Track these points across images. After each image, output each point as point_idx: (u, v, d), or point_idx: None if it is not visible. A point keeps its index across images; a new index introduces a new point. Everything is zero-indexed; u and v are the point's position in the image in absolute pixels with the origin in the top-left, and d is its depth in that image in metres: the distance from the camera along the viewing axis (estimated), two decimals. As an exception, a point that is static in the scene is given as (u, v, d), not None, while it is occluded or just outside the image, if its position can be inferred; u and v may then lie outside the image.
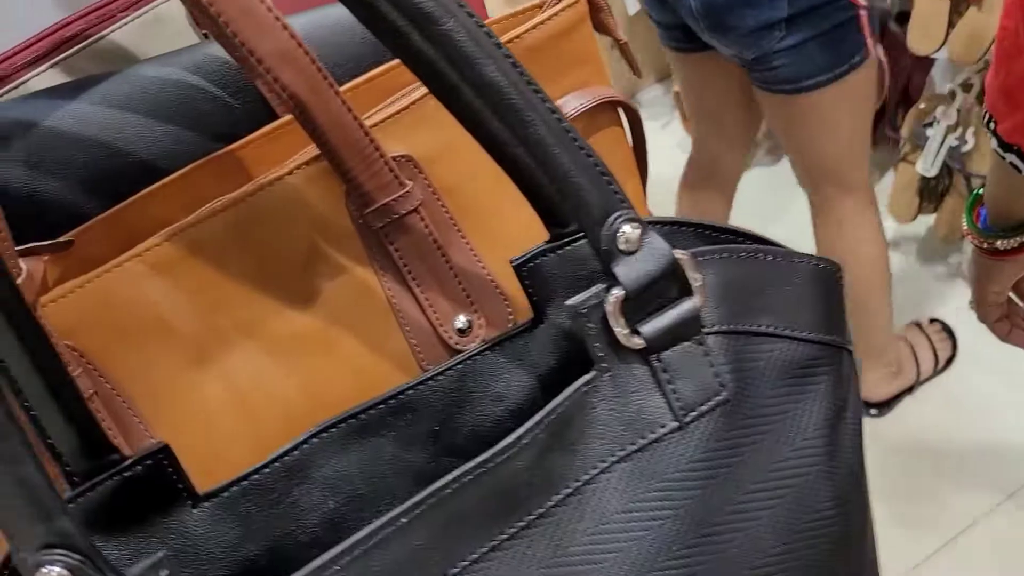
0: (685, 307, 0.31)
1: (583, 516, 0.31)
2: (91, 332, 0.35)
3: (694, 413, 0.31)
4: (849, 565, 0.34)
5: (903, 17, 1.73)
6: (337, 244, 0.38)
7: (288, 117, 0.41)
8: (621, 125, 0.44)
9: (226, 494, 0.33)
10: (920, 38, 1.50)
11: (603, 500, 0.31)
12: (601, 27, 0.43)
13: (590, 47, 0.42)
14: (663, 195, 2.08)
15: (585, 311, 0.30)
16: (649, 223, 0.34)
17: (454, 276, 0.39)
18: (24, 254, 0.35)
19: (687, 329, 0.31)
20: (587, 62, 0.42)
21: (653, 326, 0.31)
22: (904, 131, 1.69)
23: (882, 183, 1.99)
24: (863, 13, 1.10)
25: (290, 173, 0.37)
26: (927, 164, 1.58)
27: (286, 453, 0.34)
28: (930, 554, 1.29)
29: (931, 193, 1.66)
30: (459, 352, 0.40)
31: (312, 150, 0.37)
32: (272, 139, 0.40)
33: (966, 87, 1.54)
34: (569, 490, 0.31)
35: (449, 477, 0.29)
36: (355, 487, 0.35)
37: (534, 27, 0.40)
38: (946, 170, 1.60)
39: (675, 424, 0.31)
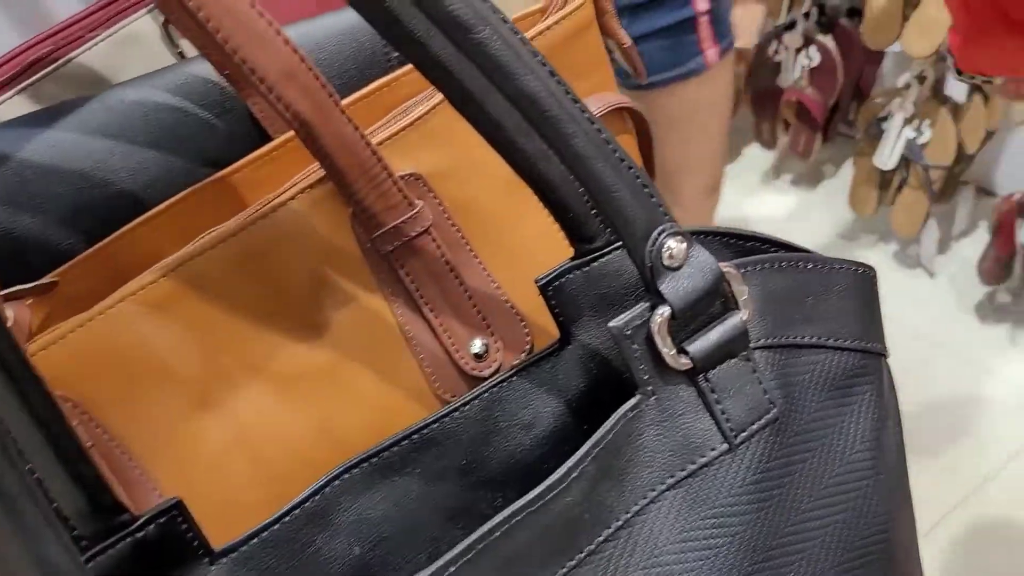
0: (732, 322, 0.29)
1: (635, 549, 0.29)
2: (85, 381, 0.32)
3: (745, 433, 0.30)
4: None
5: (854, 12, 1.76)
6: (344, 271, 0.36)
7: (282, 138, 0.39)
8: (630, 132, 0.42)
9: (244, 548, 0.31)
10: (875, 32, 1.52)
11: (654, 531, 0.29)
12: (607, 31, 0.41)
13: (599, 52, 0.40)
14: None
15: (630, 332, 0.28)
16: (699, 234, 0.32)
17: (468, 299, 0.37)
18: (7, 299, 0.32)
19: (735, 345, 0.30)
20: (597, 67, 0.41)
21: (700, 344, 0.29)
22: (859, 125, 1.71)
23: (840, 177, 2.02)
24: (703, 20, 1.05)
25: (293, 198, 0.35)
26: (884, 157, 1.60)
27: (306, 499, 0.32)
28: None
29: (889, 186, 1.68)
30: (476, 379, 0.38)
31: (313, 172, 0.35)
32: (267, 161, 0.38)
33: (920, 79, 1.56)
34: (619, 523, 0.29)
35: (498, 519, 0.27)
36: (381, 531, 0.33)
37: (540, 33, 0.38)
38: (903, 162, 1.62)
39: (725, 446, 0.30)
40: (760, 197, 2.05)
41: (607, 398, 0.31)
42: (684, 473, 0.29)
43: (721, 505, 0.30)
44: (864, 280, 0.33)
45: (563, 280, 0.33)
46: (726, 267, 0.29)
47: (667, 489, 0.29)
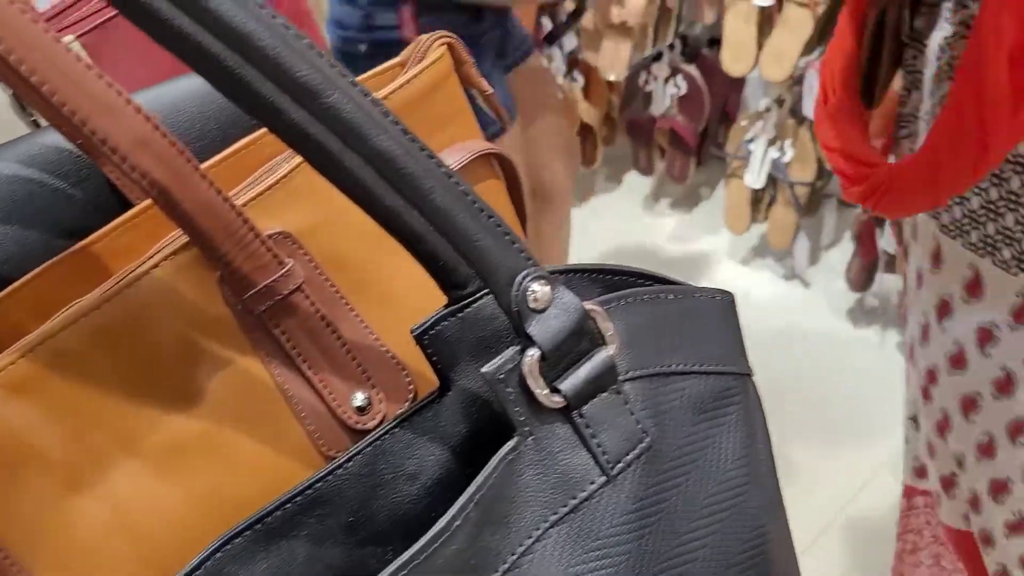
0: (600, 358, 0.30)
1: (523, 591, 0.29)
2: (-61, 475, 0.30)
3: (621, 464, 0.31)
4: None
5: (714, 42, 1.86)
6: (216, 336, 0.35)
7: (142, 204, 0.38)
8: (498, 176, 0.43)
9: (126, 632, 0.30)
10: (733, 61, 1.61)
11: (541, 570, 0.30)
12: (467, 80, 0.42)
13: (459, 102, 0.41)
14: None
15: (502, 376, 0.29)
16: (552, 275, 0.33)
17: (347, 352, 0.37)
18: None
19: (605, 380, 0.31)
20: (459, 116, 0.42)
21: (572, 382, 0.30)
22: (729, 148, 1.80)
23: (716, 198, 2.11)
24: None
25: (156, 266, 0.34)
26: (753, 177, 1.69)
27: (189, 574, 0.31)
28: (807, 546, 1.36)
29: (760, 204, 1.77)
30: (361, 432, 0.37)
31: (177, 238, 0.34)
32: (128, 229, 0.37)
33: (779, 102, 1.66)
34: (506, 565, 0.29)
35: (384, 574, 0.27)
36: (269, 599, 0.32)
37: (400, 87, 0.39)
38: (771, 181, 1.71)
39: (603, 478, 0.31)
40: (642, 221, 2.12)
41: (489, 441, 0.32)
42: (566, 509, 0.30)
43: (604, 536, 0.30)
44: (723, 306, 0.35)
45: (438, 328, 0.33)
46: (590, 306, 0.30)
47: (551, 527, 0.30)
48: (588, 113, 2.04)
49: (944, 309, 0.71)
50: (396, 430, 0.34)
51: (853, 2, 0.70)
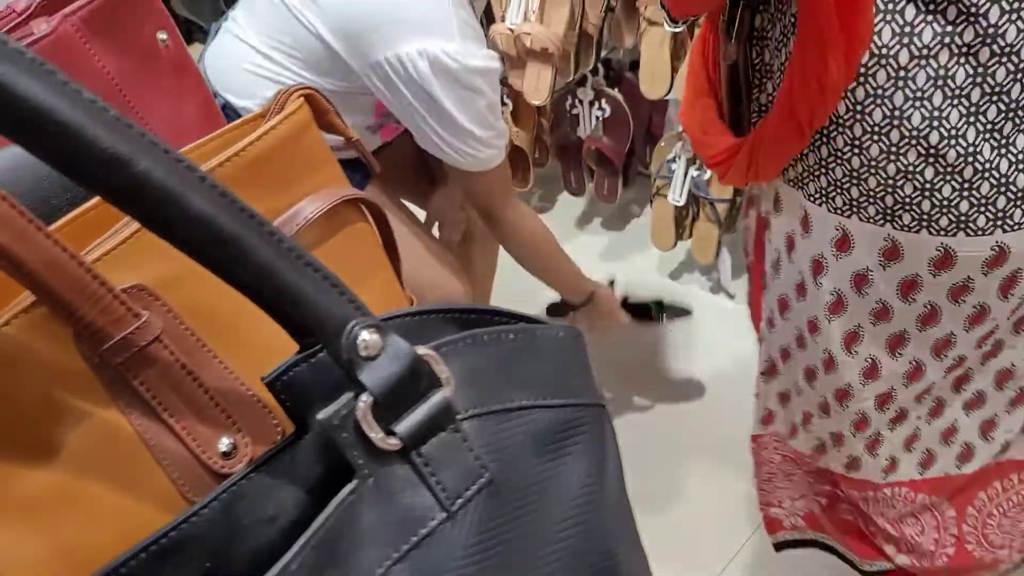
0: (436, 400, 0.32)
1: (368, 629, 0.30)
2: None
3: (460, 499, 0.32)
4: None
5: (636, 66, 1.90)
6: (74, 389, 0.36)
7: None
8: (365, 219, 0.45)
9: None
10: (650, 84, 1.65)
11: (385, 608, 0.31)
12: (330, 128, 0.43)
13: (321, 150, 0.43)
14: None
15: (337, 423, 0.30)
16: (394, 317, 0.35)
17: (210, 399, 0.38)
18: None
19: (442, 420, 0.32)
20: (321, 164, 0.43)
21: (407, 424, 0.31)
22: (652, 168, 1.85)
23: (646, 216, 2.15)
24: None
25: (7, 324, 0.34)
26: (675, 195, 1.73)
27: (40, 630, 0.31)
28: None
29: (684, 220, 1.81)
30: (226, 477, 0.38)
31: (27, 297, 0.35)
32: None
33: (697, 124, 1.70)
34: (348, 608, 0.30)
35: (216, 623, 0.28)
36: (126, 648, 0.33)
37: (259, 138, 0.40)
38: (693, 198, 1.76)
39: (443, 514, 0.32)
40: (575, 241, 2.15)
41: (345, 482, 0.33)
42: (408, 546, 0.31)
43: (446, 571, 0.32)
44: (566, 341, 0.37)
45: (291, 374, 0.34)
46: (424, 350, 0.32)
47: (393, 564, 0.31)
48: (519, 136, 2.07)
49: (818, 267, 0.78)
50: (253, 474, 0.35)
51: (700, 51, 0.80)
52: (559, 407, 0.36)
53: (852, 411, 0.85)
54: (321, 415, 0.30)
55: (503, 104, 2.04)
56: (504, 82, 1.98)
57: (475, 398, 0.33)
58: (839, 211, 0.73)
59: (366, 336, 0.30)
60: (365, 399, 0.30)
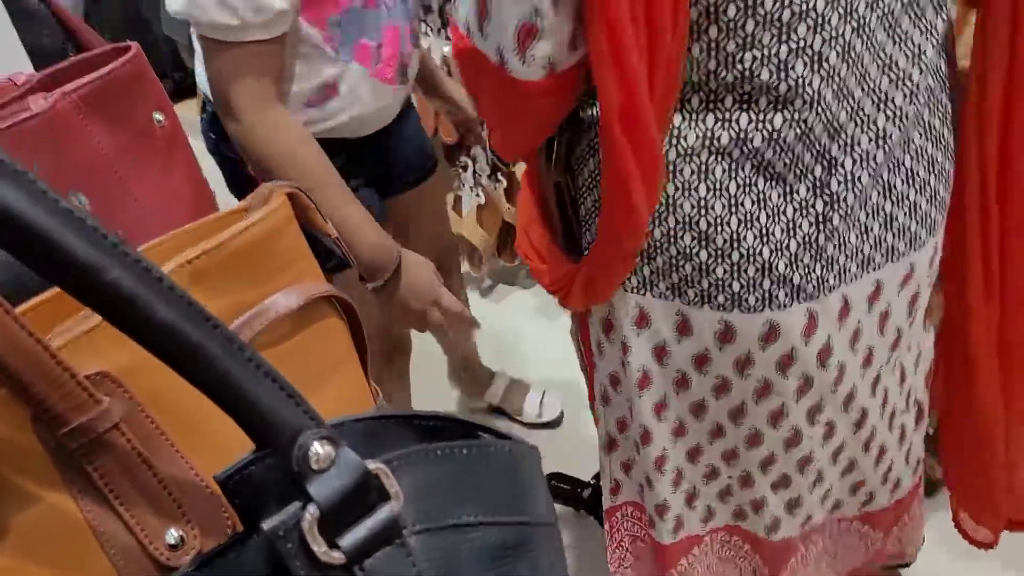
0: (382, 515, 0.32)
1: None
2: None
3: (403, 616, 0.32)
4: None
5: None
6: (27, 471, 0.36)
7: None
8: (337, 315, 0.46)
9: None
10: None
11: None
12: (312, 224, 0.45)
13: (299, 245, 0.44)
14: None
15: (282, 533, 0.31)
16: (353, 421, 0.35)
17: (164, 489, 0.38)
18: None
19: (388, 534, 0.32)
20: (297, 259, 0.44)
21: (352, 538, 0.31)
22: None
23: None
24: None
25: (-34, 403, 0.35)
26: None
27: None
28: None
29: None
30: (173, 569, 0.38)
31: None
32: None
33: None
34: None
35: None
36: None
37: (240, 232, 0.41)
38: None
39: (383, 632, 0.32)
40: (560, 319, 2.17)
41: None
42: (344, 663, 0.31)
43: None
44: (520, 457, 0.38)
45: (244, 473, 0.35)
46: (374, 464, 0.32)
47: None
48: (510, 213, 2.10)
49: (625, 349, 0.84)
50: (196, 572, 0.35)
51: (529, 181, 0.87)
52: (508, 525, 0.36)
53: (669, 471, 0.90)
54: (267, 524, 0.30)
55: (497, 181, 2.08)
56: (504, 163, 2.03)
57: (423, 513, 0.34)
58: (635, 289, 0.79)
59: (318, 448, 0.31)
60: (312, 512, 0.30)
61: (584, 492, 1.60)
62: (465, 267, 2.26)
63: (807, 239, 0.72)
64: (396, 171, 1.23)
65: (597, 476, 1.55)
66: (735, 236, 0.72)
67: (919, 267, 0.80)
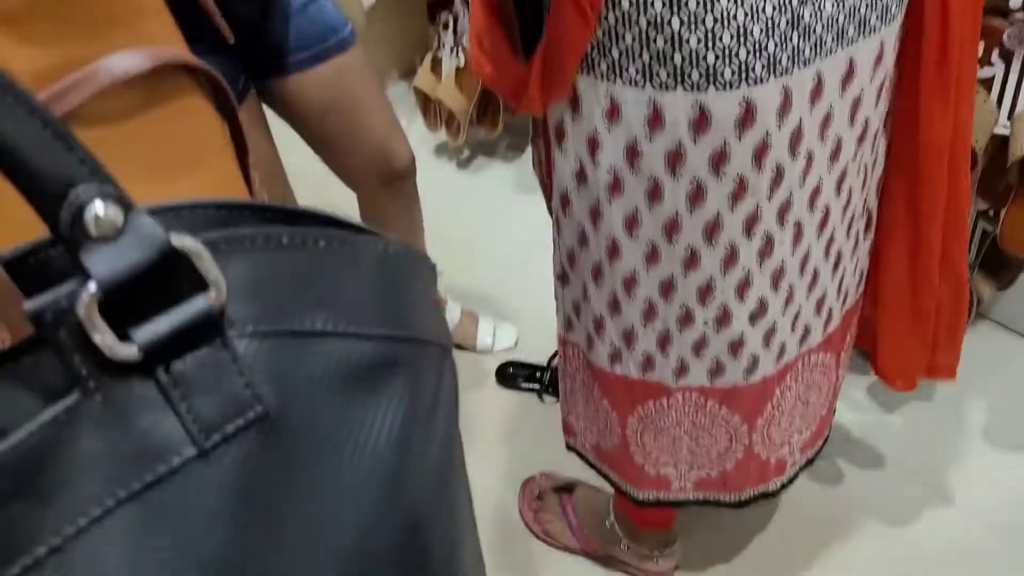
0: (195, 305, 0.25)
1: (68, 580, 0.24)
2: None
3: (218, 435, 0.25)
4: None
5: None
6: None
7: None
8: (203, 94, 0.37)
9: None
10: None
11: (99, 556, 0.24)
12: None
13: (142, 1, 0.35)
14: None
15: (52, 317, 0.23)
16: (182, 208, 0.28)
17: (-43, 279, 0.31)
18: None
19: (202, 333, 0.25)
20: (147, 13, 0.35)
21: (149, 331, 0.24)
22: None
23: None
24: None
25: None
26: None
27: None
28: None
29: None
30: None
31: None
32: None
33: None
34: (45, 549, 0.24)
35: None
36: None
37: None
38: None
39: (194, 451, 0.25)
40: (540, 195, 2.08)
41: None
42: (140, 485, 0.25)
43: (189, 521, 0.25)
44: (400, 260, 0.30)
45: (41, 256, 0.27)
46: (183, 240, 0.25)
47: (117, 505, 0.24)
48: (492, 79, 1.99)
49: (593, 145, 0.79)
50: (-23, 378, 0.28)
51: None
52: (376, 338, 0.29)
53: (640, 299, 0.87)
54: (28, 304, 0.23)
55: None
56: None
57: (258, 313, 0.26)
58: (604, 76, 0.74)
59: (99, 208, 0.23)
60: (90, 289, 0.23)
61: (544, 375, 1.56)
62: (442, 135, 2.16)
63: (782, 1, 0.69)
64: (272, 39, 1.03)
65: (554, 356, 1.51)
66: None
67: (887, 47, 0.78)
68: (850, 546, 1.28)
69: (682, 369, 0.92)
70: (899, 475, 1.38)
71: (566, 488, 1.35)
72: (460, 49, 1.96)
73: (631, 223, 0.81)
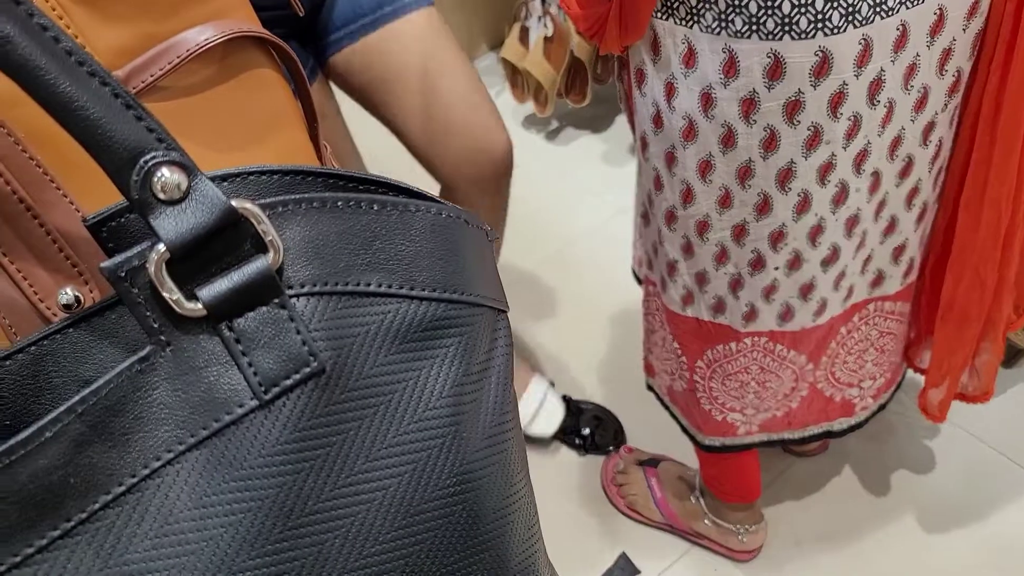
0: (256, 266, 0.26)
1: (144, 517, 0.26)
2: None
3: (277, 388, 0.27)
4: (480, 549, 0.31)
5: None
6: None
7: None
8: (274, 66, 0.39)
9: None
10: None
11: (170, 497, 0.26)
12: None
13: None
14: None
15: (124, 274, 0.25)
16: (247, 174, 0.29)
17: (52, 242, 0.33)
18: None
19: (262, 292, 0.27)
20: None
21: (214, 289, 0.26)
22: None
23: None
24: None
25: None
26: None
27: None
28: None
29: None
30: (64, 331, 0.34)
31: None
32: None
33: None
34: (123, 488, 0.26)
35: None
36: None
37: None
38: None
39: (255, 402, 0.27)
40: (625, 167, 2.06)
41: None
42: (207, 432, 0.27)
43: (250, 467, 0.27)
44: (450, 224, 0.31)
45: (122, 220, 0.29)
46: (242, 204, 0.26)
47: (187, 450, 0.27)
48: (580, 47, 1.96)
49: (670, 90, 0.80)
50: (70, 330, 0.31)
51: None
52: (429, 300, 0.30)
53: (712, 243, 0.88)
54: (105, 263, 0.25)
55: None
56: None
57: (316, 273, 0.28)
58: (682, 21, 0.75)
59: (166, 173, 0.25)
60: (159, 250, 0.25)
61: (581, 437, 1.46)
62: (530, 106, 2.15)
63: None
64: (323, 22, 0.98)
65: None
66: None
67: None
68: (950, 543, 1.24)
69: (752, 314, 0.93)
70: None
71: (650, 462, 1.35)
72: (548, 18, 1.94)
73: (705, 168, 0.82)
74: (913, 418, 1.34)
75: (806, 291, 0.90)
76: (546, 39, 1.97)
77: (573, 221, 1.91)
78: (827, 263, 0.87)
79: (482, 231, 0.33)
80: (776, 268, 0.87)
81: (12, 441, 0.24)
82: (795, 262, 0.87)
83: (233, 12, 0.37)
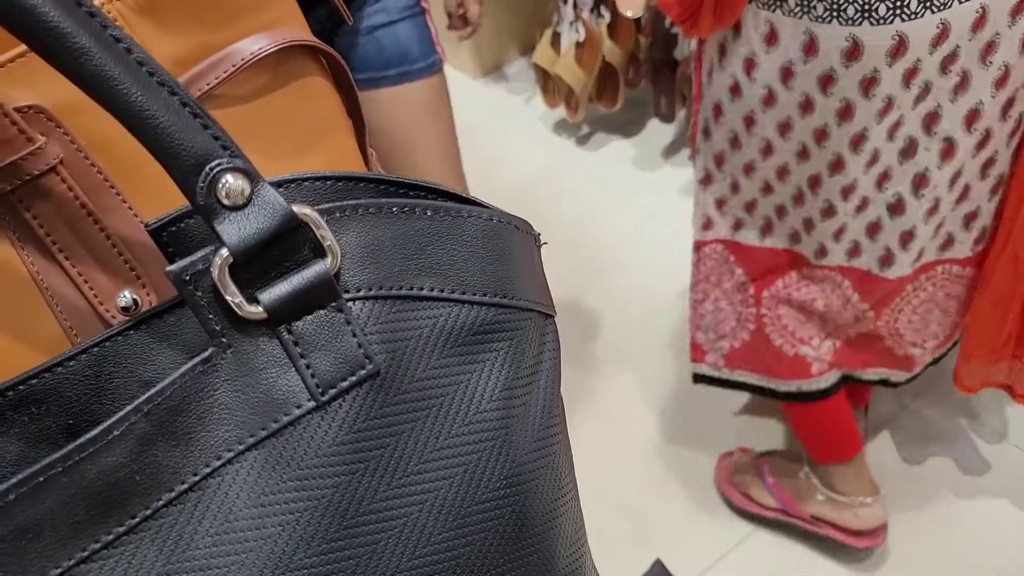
0: (314, 270, 0.27)
1: (205, 515, 0.27)
2: None
3: (334, 390, 0.28)
4: (528, 552, 0.31)
5: None
6: (-42, 213, 0.33)
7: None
8: (324, 74, 0.40)
9: None
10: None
11: (230, 495, 0.27)
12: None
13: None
14: (530, 169, 2.06)
15: (189, 278, 0.26)
16: (309, 180, 0.30)
17: (112, 246, 0.34)
18: None
19: (320, 296, 0.27)
20: (275, 2, 0.38)
21: (275, 292, 0.27)
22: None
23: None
24: (429, 17, 1.02)
25: None
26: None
27: None
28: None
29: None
30: (123, 334, 0.35)
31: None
32: None
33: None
34: (185, 486, 0.27)
35: (9, 483, 0.24)
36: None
37: (202, -40, 0.35)
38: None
39: (312, 404, 0.27)
40: (658, 172, 2.05)
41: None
42: (265, 432, 0.27)
43: (307, 467, 0.27)
44: (500, 229, 0.32)
45: (181, 225, 0.30)
46: (303, 210, 0.27)
47: (246, 449, 0.27)
48: (612, 52, 1.96)
49: (750, 65, 0.89)
50: (131, 332, 0.31)
51: None
52: (480, 304, 0.31)
53: (791, 185, 0.97)
54: (171, 267, 0.26)
55: (599, 16, 1.94)
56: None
57: (371, 277, 0.28)
58: (767, 5, 0.82)
59: (230, 180, 0.25)
60: (223, 254, 0.26)
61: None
62: (561, 111, 2.16)
63: None
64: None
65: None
66: None
67: None
68: None
69: (822, 251, 1.01)
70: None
71: (761, 456, 1.34)
72: (580, 23, 1.95)
73: (784, 128, 0.91)
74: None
75: (872, 231, 0.96)
76: (578, 44, 1.97)
77: (605, 226, 1.91)
78: (893, 211, 0.93)
79: (531, 236, 0.33)
80: (846, 214, 0.96)
81: (82, 439, 0.25)
82: (863, 206, 0.94)
83: (286, 21, 0.38)
